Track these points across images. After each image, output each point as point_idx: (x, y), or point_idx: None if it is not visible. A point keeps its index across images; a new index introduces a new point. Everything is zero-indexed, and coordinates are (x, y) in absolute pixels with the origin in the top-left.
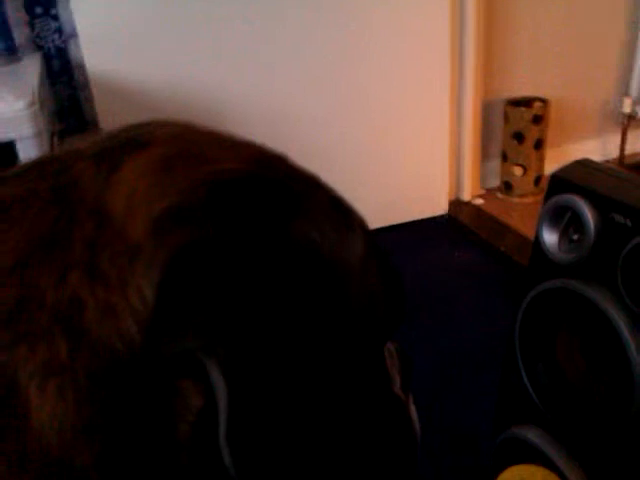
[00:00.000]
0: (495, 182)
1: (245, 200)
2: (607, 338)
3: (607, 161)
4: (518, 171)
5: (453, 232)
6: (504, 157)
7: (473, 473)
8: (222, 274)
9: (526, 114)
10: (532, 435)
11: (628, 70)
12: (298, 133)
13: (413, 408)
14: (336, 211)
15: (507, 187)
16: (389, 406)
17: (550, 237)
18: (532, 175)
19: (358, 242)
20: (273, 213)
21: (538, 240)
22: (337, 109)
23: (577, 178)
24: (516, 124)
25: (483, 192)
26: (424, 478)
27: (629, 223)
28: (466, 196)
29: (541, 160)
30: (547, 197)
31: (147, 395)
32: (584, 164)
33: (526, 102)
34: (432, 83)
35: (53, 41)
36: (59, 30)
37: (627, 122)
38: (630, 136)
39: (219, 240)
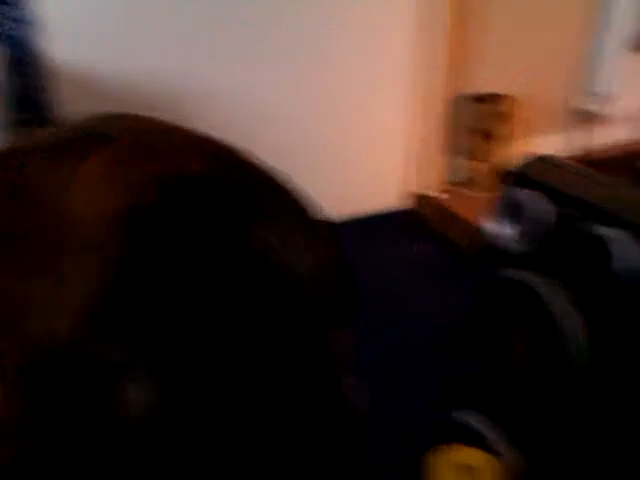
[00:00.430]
0: (460, 177)
1: (198, 202)
2: (550, 328)
3: (571, 157)
4: (482, 167)
5: (418, 226)
6: (470, 153)
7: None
8: (164, 282)
9: (492, 110)
10: (472, 419)
11: (591, 68)
12: (258, 127)
13: (360, 396)
14: (296, 215)
15: (472, 182)
16: (334, 395)
17: (502, 228)
18: (495, 172)
19: (317, 247)
20: (228, 216)
21: (490, 230)
22: (298, 104)
23: (533, 173)
24: (482, 120)
25: (448, 187)
26: (371, 471)
27: (581, 217)
28: (431, 191)
29: (506, 156)
30: (502, 190)
31: (81, 390)
32: (542, 159)
33: (492, 99)
34: (396, 79)
35: (13, 30)
36: (20, 19)
37: (590, 119)
38: (593, 133)
39: (167, 244)
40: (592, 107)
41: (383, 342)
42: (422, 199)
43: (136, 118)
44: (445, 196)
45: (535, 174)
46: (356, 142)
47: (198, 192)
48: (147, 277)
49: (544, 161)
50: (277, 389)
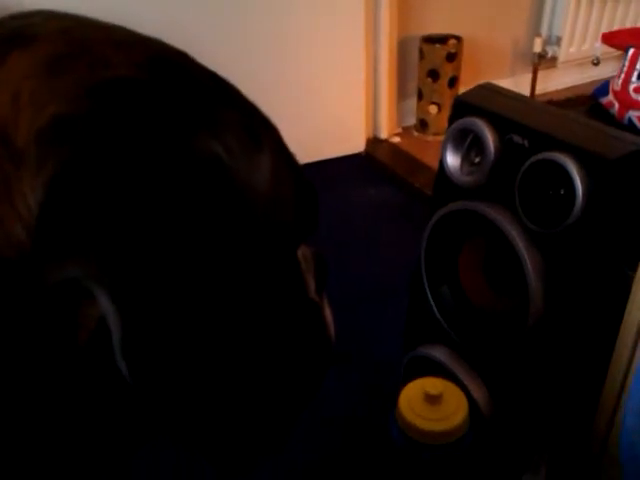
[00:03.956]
0: (411, 120)
1: (134, 111)
2: (506, 256)
3: None
4: (433, 109)
5: (370, 170)
6: (419, 95)
7: (385, 396)
8: (106, 195)
9: (441, 51)
10: (437, 353)
11: (539, 9)
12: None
13: (328, 311)
14: (243, 125)
15: (422, 125)
16: (302, 310)
17: (453, 160)
18: (446, 113)
19: (266, 157)
20: (168, 125)
21: (442, 164)
22: (251, 46)
23: (478, 100)
24: (431, 61)
25: (400, 130)
26: (335, 402)
27: (526, 144)
28: (383, 134)
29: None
30: (450, 121)
31: (42, 300)
32: (486, 88)
33: (441, 39)
34: (346, 21)
35: None
36: None
37: (537, 61)
38: (540, 75)
39: (104, 156)
40: (540, 49)
41: (345, 281)
42: (374, 142)
43: (75, 19)
44: (397, 139)
45: (478, 101)
46: (306, 86)
47: (130, 101)
48: (83, 192)
49: (486, 89)
50: (241, 300)
